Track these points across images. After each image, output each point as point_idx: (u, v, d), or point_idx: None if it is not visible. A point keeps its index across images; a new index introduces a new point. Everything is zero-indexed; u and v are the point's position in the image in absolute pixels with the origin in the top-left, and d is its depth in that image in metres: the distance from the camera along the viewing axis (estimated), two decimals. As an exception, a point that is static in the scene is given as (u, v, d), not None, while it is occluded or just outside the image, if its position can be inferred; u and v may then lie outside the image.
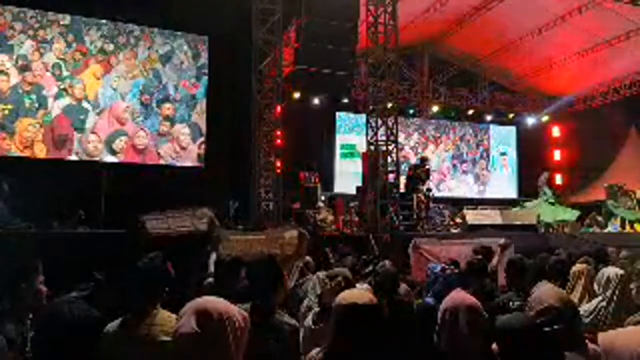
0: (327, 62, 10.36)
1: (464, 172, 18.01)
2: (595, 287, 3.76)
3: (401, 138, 16.79)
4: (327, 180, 14.65)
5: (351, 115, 15.77)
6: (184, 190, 10.28)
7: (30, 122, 11.71)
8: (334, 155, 15.64)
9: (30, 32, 12.09)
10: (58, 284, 2.98)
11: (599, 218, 12.37)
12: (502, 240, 5.64)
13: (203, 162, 12.56)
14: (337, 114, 15.83)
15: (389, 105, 10.38)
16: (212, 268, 4.75)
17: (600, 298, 3.65)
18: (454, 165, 18.06)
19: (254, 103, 11.43)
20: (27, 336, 2.52)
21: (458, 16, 14.26)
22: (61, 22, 12.33)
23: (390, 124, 10.24)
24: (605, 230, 11.88)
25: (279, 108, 11.92)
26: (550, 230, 11.72)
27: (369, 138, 10.25)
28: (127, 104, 12.60)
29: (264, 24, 11.21)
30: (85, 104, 12.34)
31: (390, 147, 10.19)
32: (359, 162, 12.44)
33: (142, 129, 12.64)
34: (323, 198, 12.86)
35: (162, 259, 2.56)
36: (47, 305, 2.64)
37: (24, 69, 11.91)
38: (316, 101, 14.71)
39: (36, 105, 11.94)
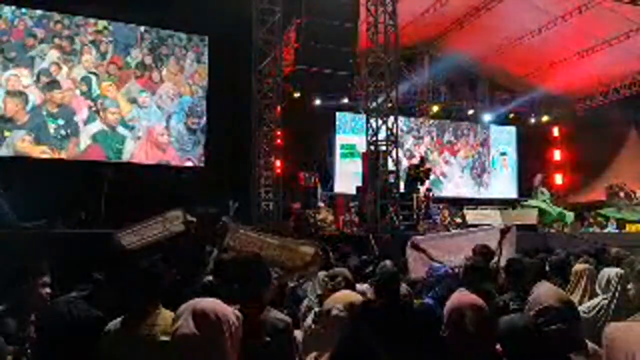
0: (327, 62, 10.37)
1: (479, 176, 17.97)
2: (597, 287, 3.76)
3: (409, 144, 16.84)
4: (327, 180, 14.65)
5: (351, 115, 15.76)
6: (184, 190, 10.28)
7: (43, 150, 10.26)
8: (334, 155, 15.64)
9: (56, 40, 10.44)
10: (58, 284, 2.98)
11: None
12: (501, 225, 5.61)
13: (203, 162, 12.56)
14: (337, 114, 15.83)
15: (389, 105, 10.38)
16: (211, 266, 4.73)
17: (602, 296, 3.65)
18: (478, 175, 17.81)
19: (254, 103, 11.42)
20: (28, 334, 2.53)
21: (458, 16, 14.26)
22: (92, 28, 10.70)
23: (390, 124, 10.24)
24: (605, 230, 11.89)
25: (279, 108, 11.91)
26: (551, 230, 11.73)
27: (369, 138, 10.24)
28: (166, 126, 11.21)
29: (264, 24, 11.21)
30: (121, 129, 10.83)
31: (390, 147, 10.19)
32: (359, 162, 12.44)
33: (189, 159, 11.66)
34: (323, 198, 12.87)
35: (162, 259, 2.57)
36: (48, 305, 2.64)
37: (48, 86, 10.20)
38: (316, 101, 14.71)
39: (63, 132, 10.27)
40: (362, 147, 11.42)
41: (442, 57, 16.81)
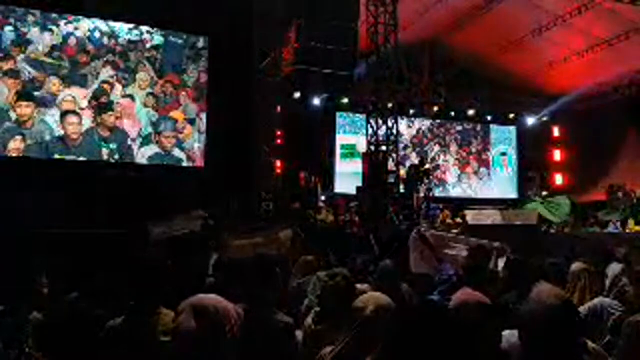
0: (327, 62, 10.38)
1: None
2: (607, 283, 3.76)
3: (434, 152, 16.89)
4: (327, 180, 14.65)
5: (351, 115, 15.76)
6: (184, 190, 10.27)
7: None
8: (334, 155, 15.63)
9: (109, 57, 9.96)
10: (59, 283, 2.98)
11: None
12: (496, 244, 5.62)
13: (203, 162, 12.53)
14: (337, 114, 15.83)
15: (389, 105, 10.38)
16: (212, 269, 4.78)
17: (603, 296, 3.64)
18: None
19: (254, 103, 11.43)
20: (28, 334, 2.53)
21: (458, 16, 14.25)
22: (148, 44, 10.20)
23: (390, 124, 10.24)
24: (605, 230, 11.87)
25: (279, 108, 11.92)
26: (551, 230, 11.73)
27: (369, 138, 10.25)
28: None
29: (264, 24, 11.21)
30: (177, 152, 10.42)
31: (390, 147, 10.20)
32: (359, 162, 12.44)
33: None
34: (323, 198, 12.87)
35: (163, 259, 2.57)
36: (49, 304, 2.64)
37: (100, 108, 9.75)
38: (316, 101, 14.70)
39: (117, 156, 9.92)
40: (362, 147, 11.43)
41: (442, 57, 16.81)
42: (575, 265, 4.04)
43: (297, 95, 13.17)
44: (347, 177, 14.36)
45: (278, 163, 12.02)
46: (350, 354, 1.95)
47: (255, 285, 2.66)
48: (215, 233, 5.79)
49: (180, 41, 10.96)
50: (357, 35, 10.52)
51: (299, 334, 3.05)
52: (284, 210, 11.35)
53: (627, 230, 11.92)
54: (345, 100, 15.12)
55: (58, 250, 5.72)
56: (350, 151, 15.54)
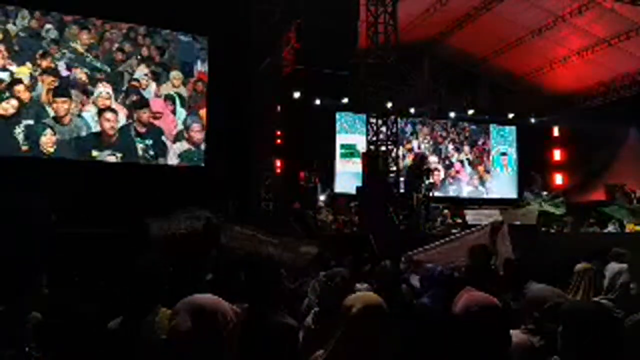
0: (327, 62, 10.38)
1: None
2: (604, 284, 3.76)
3: (449, 149, 16.96)
4: (327, 180, 14.65)
5: (351, 115, 15.76)
6: (184, 190, 10.27)
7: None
8: (334, 155, 15.62)
9: (144, 52, 10.29)
10: (57, 283, 2.99)
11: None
12: (492, 219, 5.58)
13: (203, 162, 12.53)
14: (337, 114, 15.83)
15: (389, 105, 10.38)
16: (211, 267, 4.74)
17: (603, 296, 3.65)
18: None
19: (254, 103, 11.43)
20: (28, 334, 2.54)
21: (458, 16, 14.25)
22: (180, 44, 10.46)
23: (390, 124, 10.25)
24: (605, 230, 11.87)
25: (279, 108, 11.92)
26: (550, 230, 11.72)
27: (369, 138, 10.25)
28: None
29: (264, 24, 11.22)
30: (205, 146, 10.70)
31: (390, 147, 10.20)
32: (359, 162, 12.44)
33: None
34: (323, 198, 12.87)
35: (163, 259, 2.57)
36: (49, 304, 2.65)
37: (136, 104, 10.11)
38: (316, 101, 14.71)
39: (152, 152, 10.28)
40: (362, 147, 11.43)
41: (442, 57, 16.81)
42: (579, 266, 4.04)
43: (297, 95, 13.16)
44: (347, 177, 14.36)
45: (278, 163, 12.01)
46: (342, 355, 1.95)
47: (257, 286, 2.66)
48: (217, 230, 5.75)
49: (206, 42, 11.29)
50: (357, 35, 10.52)
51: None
52: (283, 210, 11.35)
53: (628, 230, 11.92)
54: (345, 100, 15.12)
55: (58, 250, 5.71)
56: (350, 151, 15.53)
